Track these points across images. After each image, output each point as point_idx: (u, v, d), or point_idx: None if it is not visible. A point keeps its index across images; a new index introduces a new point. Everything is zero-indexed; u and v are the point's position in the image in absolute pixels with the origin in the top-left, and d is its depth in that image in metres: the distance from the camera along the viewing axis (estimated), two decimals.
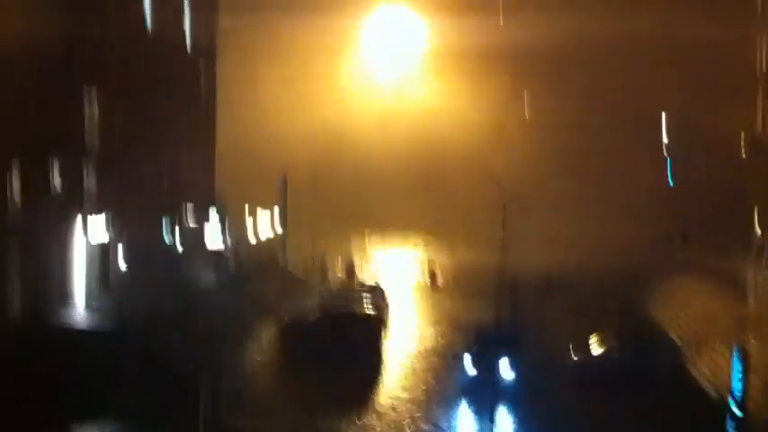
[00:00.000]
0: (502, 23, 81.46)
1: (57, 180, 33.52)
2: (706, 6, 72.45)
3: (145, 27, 41.13)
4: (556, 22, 76.60)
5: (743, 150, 56.59)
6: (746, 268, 48.19)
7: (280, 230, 54.70)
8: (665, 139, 77.13)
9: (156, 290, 36.77)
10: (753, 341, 31.80)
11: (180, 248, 44.89)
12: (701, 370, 32.98)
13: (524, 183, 75.49)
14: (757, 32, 49.89)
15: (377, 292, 42.76)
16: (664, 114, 78.13)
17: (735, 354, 26.66)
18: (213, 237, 45.36)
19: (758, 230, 48.70)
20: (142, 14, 41.06)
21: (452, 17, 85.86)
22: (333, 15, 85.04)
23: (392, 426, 27.07)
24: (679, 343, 36.50)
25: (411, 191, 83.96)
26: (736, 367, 26.32)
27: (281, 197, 45.94)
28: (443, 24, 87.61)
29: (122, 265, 38.48)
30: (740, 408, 23.35)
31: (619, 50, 78.04)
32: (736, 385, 25.93)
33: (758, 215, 48.45)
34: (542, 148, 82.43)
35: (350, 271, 51.84)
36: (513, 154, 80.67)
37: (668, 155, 75.48)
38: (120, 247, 38.45)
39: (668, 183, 69.83)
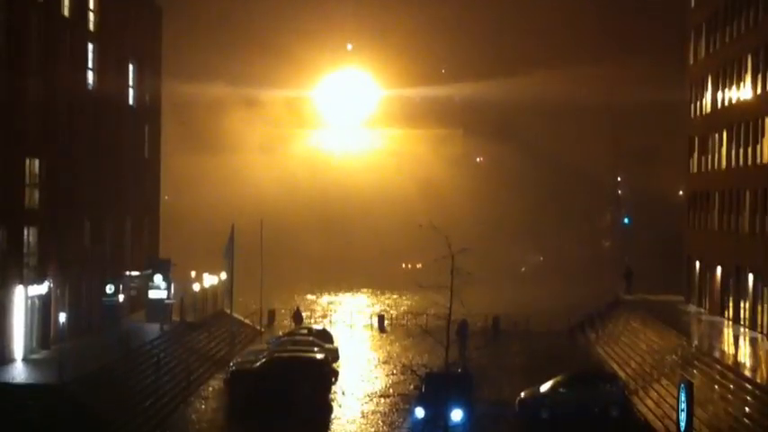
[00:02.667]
0: (454, 86, 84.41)
1: None
2: (642, 74, 76.11)
3: (89, 93, 41.55)
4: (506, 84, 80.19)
5: (682, 197, 58.41)
6: (688, 308, 49.22)
7: (227, 283, 54.40)
8: (620, 192, 79.69)
9: (97, 345, 36.11)
10: (697, 376, 32.29)
11: (122, 304, 44.55)
12: (648, 405, 33.29)
13: (473, 234, 76.96)
14: (689, 97, 52.15)
15: (324, 338, 42.46)
16: (619, 177, 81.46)
17: (680, 389, 26.91)
18: (158, 293, 45.10)
19: (698, 272, 49.80)
20: (86, 81, 41.48)
21: (404, 83, 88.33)
22: (278, 84, 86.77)
23: None
24: (626, 381, 36.82)
25: (359, 244, 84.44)
26: (682, 401, 26.55)
27: (229, 249, 45.76)
28: (393, 86, 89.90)
29: (62, 324, 38.13)
30: None
31: (567, 111, 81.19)
32: (682, 419, 26.14)
33: (699, 259, 49.63)
34: (492, 199, 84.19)
35: (298, 320, 51.37)
36: (463, 206, 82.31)
37: (623, 207, 78.04)
38: (61, 308, 38.30)
39: (623, 223, 72.18)
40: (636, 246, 74.34)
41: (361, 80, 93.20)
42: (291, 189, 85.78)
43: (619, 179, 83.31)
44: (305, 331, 44.22)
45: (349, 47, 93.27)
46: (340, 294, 71.74)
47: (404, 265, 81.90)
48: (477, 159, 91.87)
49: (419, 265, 77.58)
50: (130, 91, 47.59)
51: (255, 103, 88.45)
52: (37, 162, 36.58)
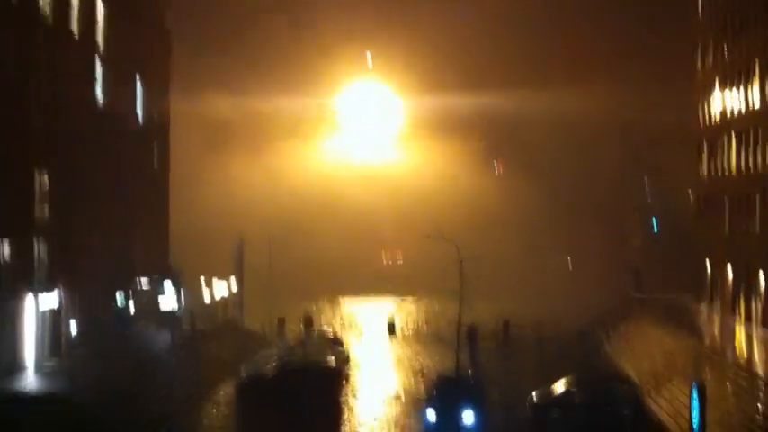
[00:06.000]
0: (473, 98, 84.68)
1: (8, 256, 33.57)
2: (653, 91, 76.45)
3: (97, 108, 41.84)
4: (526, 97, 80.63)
5: (691, 201, 58.43)
6: (699, 307, 49.10)
7: (237, 293, 54.55)
8: (649, 198, 79.83)
9: (109, 357, 36.17)
10: (709, 375, 32.16)
11: (133, 314, 44.55)
12: (661, 406, 33.15)
13: (483, 242, 76.86)
14: (697, 100, 52.34)
15: (336, 345, 42.48)
16: (646, 178, 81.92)
17: (693, 388, 26.81)
18: (168, 303, 45.23)
19: (709, 272, 49.69)
20: (94, 96, 41.75)
21: (424, 92, 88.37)
22: (287, 94, 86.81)
23: None
24: (638, 382, 36.68)
25: (370, 251, 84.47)
26: (695, 402, 26.47)
27: (237, 258, 45.88)
28: (413, 99, 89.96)
29: (73, 333, 38.25)
30: None
31: (581, 125, 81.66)
32: (696, 420, 26.06)
33: (709, 259, 49.57)
34: (503, 208, 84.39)
35: (308, 325, 51.40)
36: (475, 215, 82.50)
37: (651, 212, 78.09)
38: (72, 318, 38.43)
39: (654, 231, 71.97)
40: (660, 250, 74.02)
41: (380, 91, 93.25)
42: (308, 199, 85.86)
43: (646, 186, 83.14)
44: (316, 339, 44.27)
45: (369, 57, 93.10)
46: (353, 300, 71.63)
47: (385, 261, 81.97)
48: (495, 168, 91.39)
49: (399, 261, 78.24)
50: (138, 106, 47.92)
51: (273, 115, 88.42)
52: (46, 176, 36.76)
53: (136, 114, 47.79)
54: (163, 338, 41.48)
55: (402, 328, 55.42)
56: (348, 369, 40.05)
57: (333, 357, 37.69)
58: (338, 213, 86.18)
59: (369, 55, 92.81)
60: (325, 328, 52.26)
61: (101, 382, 31.44)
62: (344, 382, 36.84)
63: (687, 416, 27.67)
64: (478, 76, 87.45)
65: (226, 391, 37.23)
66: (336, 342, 42.98)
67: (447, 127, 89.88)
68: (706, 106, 50.93)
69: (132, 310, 45.54)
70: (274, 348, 44.78)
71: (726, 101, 46.83)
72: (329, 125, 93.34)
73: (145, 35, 49.00)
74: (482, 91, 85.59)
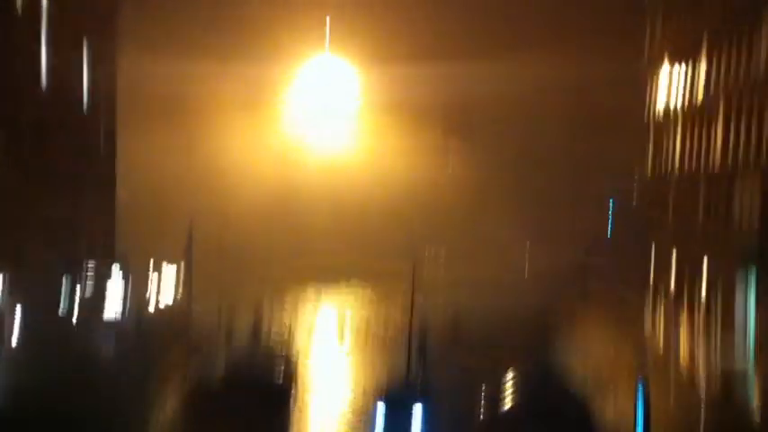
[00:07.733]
0: (435, 75, 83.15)
1: None
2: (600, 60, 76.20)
3: (40, 84, 40.39)
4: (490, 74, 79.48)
5: (635, 194, 58.98)
6: (646, 299, 49.76)
7: (184, 287, 53.51)
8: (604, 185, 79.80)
9: (51, 358, 35.34)
10: (654, 376, 32.50)
11: (77, 312, 43.47)
12: (606, 407, 33.42)
13: (440, 231, 76.42)
14: (646, 90, 52.83)
15: (284, 353, 42.05)
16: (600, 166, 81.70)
17: (638, 384, 27.10)
18: (114, 296, 44.03)
19: (653, 266, 50.35)
20: (37, 68, 40.30)
21: (386, 69, 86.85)
22: (245, 64, 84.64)
23: None
24: (582, 381, 36.92)
25: (322, 243, 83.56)
26: (640, 403, 26.71)
27: (186, 242, 44.59)
28: (374, 76, 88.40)
29: (16, 331, 37.18)
30: None
31: (538, 102, 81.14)
32: (640, 420, 26.30)
33: (654, 252, 50.19)
34: (461, 197, 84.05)
35: (257, 329, 50.68)
36: (433, 205, 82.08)
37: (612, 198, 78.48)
38: (16, 307, 37.32)
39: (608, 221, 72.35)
40: (613, 241, 74.08)
41: (337, 65, 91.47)
42: (259, 180, 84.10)
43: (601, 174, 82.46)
44: (264, 346, 43.69)
45: (327, 22, 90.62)
46: (305, 290, 70.71)
47: None
48: (449, 149, 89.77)
49: None
50: (84, 79, 46.35)
51: (224, 89, 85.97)
52: None
53: (81, 87, 46.11)
54: (107, 338, 40.37)
55: (353, 328, 55.16)
56: (295, 380, 39.41)
57: (281, 367, 37.27)
58: (290, 197, 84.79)
59: (327, 19, 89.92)
60: (274, 330, 51.61)
61: (41, 385, 30.61)
62: (291, 390, 36.41)
63: (632, 411, 27.87)
64: (439, 47, 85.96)
65: (172, 399, 36.57)
66: (283, 353, 42.49)
67: (403, 102, 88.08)
68: (653, 88, 51.43)
69: (78, 297, 43.98)
70: (221, 355, 44.08)
71: (672, 84, 47.27)
72: (282, 101, 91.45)
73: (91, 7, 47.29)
74: (440, 63, 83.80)
